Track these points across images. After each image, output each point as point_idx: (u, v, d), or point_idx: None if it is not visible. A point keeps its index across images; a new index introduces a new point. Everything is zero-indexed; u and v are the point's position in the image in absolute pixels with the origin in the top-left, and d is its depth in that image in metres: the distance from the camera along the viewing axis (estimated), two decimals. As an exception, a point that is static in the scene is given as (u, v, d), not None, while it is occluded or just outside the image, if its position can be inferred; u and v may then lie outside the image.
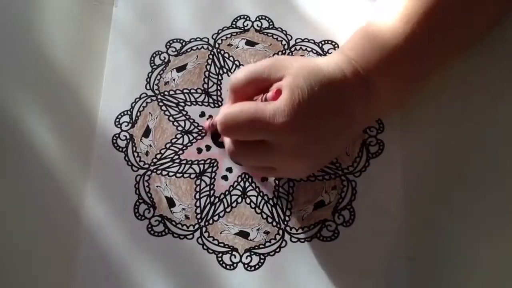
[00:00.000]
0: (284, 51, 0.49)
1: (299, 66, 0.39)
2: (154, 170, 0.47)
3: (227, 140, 0.43)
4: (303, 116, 0.37)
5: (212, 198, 0.46)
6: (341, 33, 0.49)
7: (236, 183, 0.46)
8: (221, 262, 0.44)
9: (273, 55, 0.49)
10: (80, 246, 0.44)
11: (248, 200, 0.45)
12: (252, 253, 0.44)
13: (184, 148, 0.47)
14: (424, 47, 0.41)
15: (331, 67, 0.40)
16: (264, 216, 0.45)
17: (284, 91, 0.38)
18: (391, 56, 0.40)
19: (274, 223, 0.45)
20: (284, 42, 0.50)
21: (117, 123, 0.48)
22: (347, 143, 0.43)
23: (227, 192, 0.46)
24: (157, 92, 0.49)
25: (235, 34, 0.50)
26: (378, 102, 0.41)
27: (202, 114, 0.48)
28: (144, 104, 0.48)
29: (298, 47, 0.49)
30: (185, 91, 0.49)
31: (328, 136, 0.39)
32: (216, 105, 0.48)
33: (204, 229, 0.45)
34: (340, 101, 0.39)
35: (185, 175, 0.46)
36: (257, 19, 0.51)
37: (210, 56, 0.50)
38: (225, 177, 0.46)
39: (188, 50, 0.50)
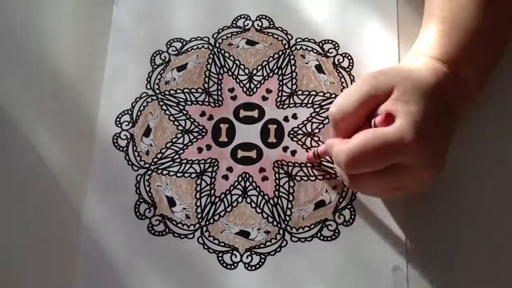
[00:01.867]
0: (284, 51, 0.49)
1: (402, 79, 0.39)
2: (155, 170, 0.46)
3: (345, 176, 0.41)
4: (426, 128, 0.37)
5: (213, 198, 0.46)
6: (342, 33, 0.49)
7: (236, 183, 0.46)
8: (222, 262, 0.44)
9: (274, 54, 0.49)
10: (81, 246, 0.44)
11: (248, 200, 0.45)
12: (252, 252, 0.44)
13: (185, 147, 0.47)
14: (497, 28, 0.43)
15: (426, 74, 0.40)
16: (265, 215, 0.45)
17: (401, 109, 0.38)
18: (472, 46, 0.42)
19: (275, 223, 0.45)
20: (284, 42, 0.50)
21: (117, 123, 0.48)
22: (452, 137, 0.43)
23: (227, 192, 0.46)
24: (157, 91, 0.49)
25: (235, 33, 0.50)
26: (469, 91, 0.43)
27: (203, 114, 0.48)
28: (144, 104, 0.48)
29: (298, 47, 0.49)
30: (185, 90, 0.49)
31: (446, 137, 0.40)
32: (217, 105, 0.48)
33: (204, 228, 0.45)
34: (445, 103, 0.40)
35: (186, 175, 0.46)
36: (258, 18, 0.51)
37: (211, 56, 0.50)
38: (225, 177, 0.46)
39: (189, 50, 0.50)
